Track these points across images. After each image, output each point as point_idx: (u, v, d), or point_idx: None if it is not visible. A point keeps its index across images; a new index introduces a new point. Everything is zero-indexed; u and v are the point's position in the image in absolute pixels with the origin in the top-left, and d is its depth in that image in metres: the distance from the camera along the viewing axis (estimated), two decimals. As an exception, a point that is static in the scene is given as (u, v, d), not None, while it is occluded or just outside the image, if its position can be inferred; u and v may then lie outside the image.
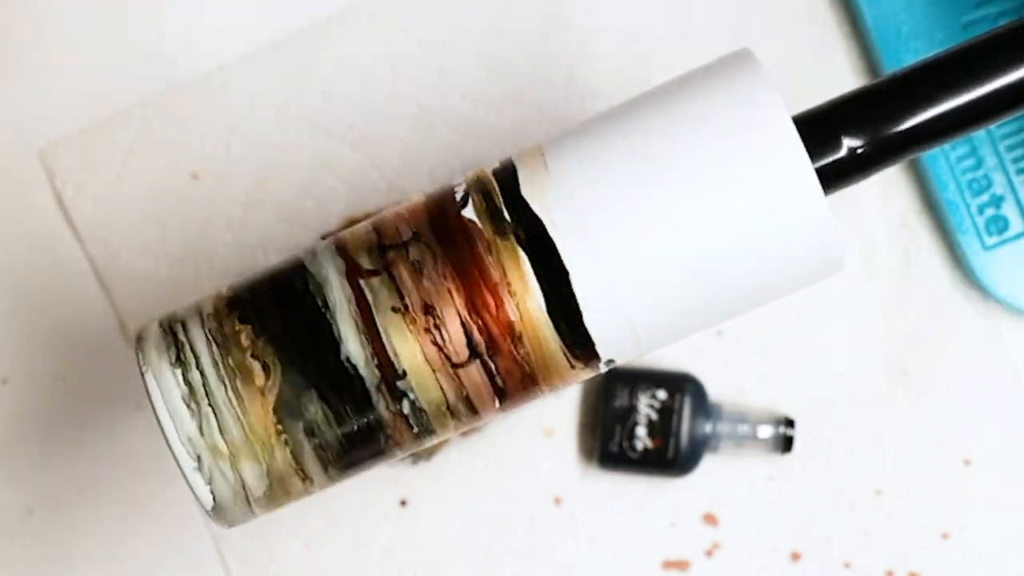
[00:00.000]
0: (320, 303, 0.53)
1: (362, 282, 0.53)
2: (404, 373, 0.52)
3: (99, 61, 0.79)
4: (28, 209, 0.79)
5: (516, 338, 0.53)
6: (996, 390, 0.79)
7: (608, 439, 0.76)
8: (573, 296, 0.52)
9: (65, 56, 0.80)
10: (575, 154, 0.53)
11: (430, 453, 0.78)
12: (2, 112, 0.79)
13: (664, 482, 0.78)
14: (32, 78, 0.79)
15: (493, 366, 0.53)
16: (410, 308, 0.52)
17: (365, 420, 0.53)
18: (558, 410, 0.79)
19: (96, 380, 0.79)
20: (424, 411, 0.53)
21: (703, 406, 0.76)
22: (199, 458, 0.53)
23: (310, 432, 0.53)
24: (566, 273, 0.52)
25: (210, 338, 0.53)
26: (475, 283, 0.52)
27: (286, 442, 0.53)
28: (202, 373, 0.53)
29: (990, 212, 0.77)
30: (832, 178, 0.53)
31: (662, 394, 0.76)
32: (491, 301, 0.52)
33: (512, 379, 0.53)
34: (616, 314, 0.52)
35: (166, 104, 0.79)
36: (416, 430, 0.54)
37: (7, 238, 0.79)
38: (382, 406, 0.53)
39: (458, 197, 0.53)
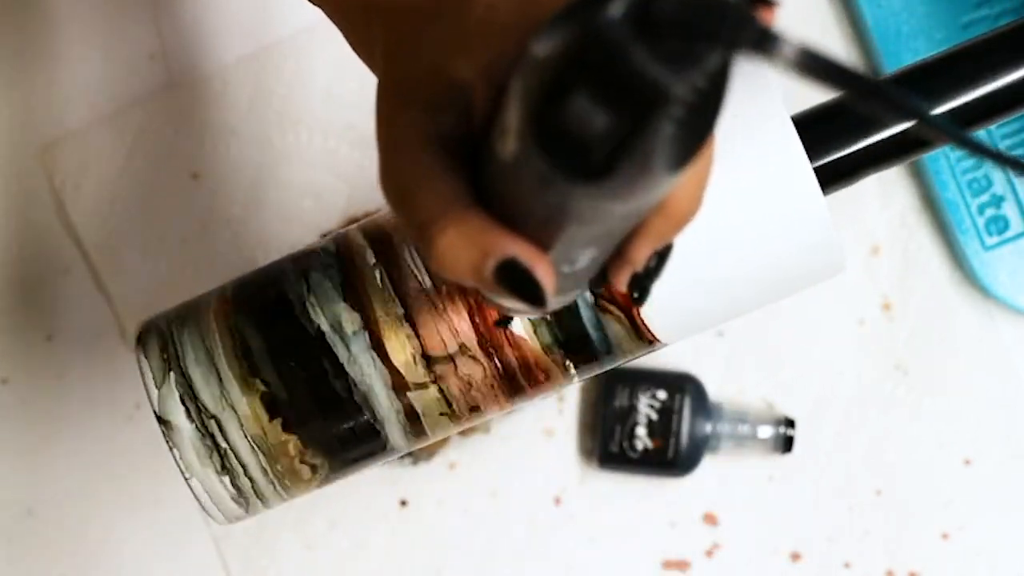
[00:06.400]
0: (368, 414, 0.53)
1: (410, 394, 0.53)
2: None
3: (99, 61, 0.79)
4: (28, 209, 0.79)
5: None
6: (996, 390, 0.79)
7: (608, 439, 0.76)
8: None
9: (65, 56, 0.79)
10: None
11: (430, 453, 0.78)
12: (2, 112, 0.79)
13: (664, 482, 0.78)
14: (32, 78, 0.79)
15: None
16: (457, 411, 0.53)
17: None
18: (558, 410, 0.79)
19: (95, 380, 0.79)
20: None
21: (703, 406, 0.76)
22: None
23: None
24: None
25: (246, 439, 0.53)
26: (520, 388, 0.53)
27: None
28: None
29: (990, 212, 0.77)
30: (832, 178, 0.53)
31: (662, 394, 0.76)
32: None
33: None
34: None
35: (166, 104, 0.79)
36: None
37: (6, 237, 0.79)
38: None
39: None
